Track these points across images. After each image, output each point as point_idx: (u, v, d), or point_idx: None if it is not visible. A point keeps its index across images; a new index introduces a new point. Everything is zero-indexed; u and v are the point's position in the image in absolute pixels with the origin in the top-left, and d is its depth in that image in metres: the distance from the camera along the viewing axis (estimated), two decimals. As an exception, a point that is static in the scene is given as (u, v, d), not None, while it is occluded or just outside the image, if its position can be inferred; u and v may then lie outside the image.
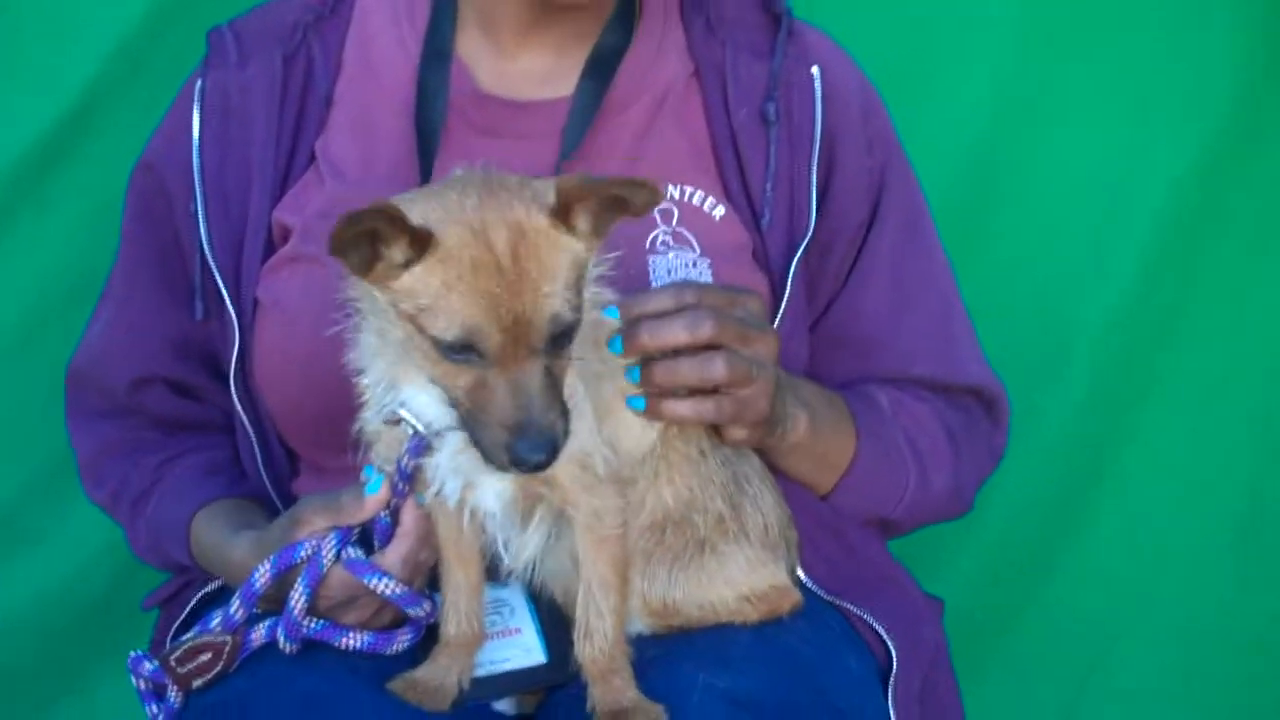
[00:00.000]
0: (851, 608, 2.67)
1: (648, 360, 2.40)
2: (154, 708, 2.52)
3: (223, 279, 2.72)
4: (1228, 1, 3.63)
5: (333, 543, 2.40)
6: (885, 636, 2.66)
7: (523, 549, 2.41)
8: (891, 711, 2.62)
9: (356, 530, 2.43)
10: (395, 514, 2.42)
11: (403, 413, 2.30)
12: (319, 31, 2.82)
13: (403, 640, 2.49)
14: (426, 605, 2.45)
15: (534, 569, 2.45)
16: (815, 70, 2.79)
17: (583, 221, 2.22)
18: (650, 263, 2.68)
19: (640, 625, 2.49)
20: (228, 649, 2.44)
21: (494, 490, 2.34)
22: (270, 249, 2.74)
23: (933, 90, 3.60)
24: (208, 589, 2.81)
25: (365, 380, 2.33)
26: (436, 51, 2.76)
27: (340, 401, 2.41)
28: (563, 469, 2.29)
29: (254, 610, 2.46)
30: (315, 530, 2.42)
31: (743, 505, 2.53)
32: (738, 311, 2.46)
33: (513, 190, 2.20)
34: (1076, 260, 3.72)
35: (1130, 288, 3.74)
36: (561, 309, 2.16)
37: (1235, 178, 3.70)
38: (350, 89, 2.80)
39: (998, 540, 3.75)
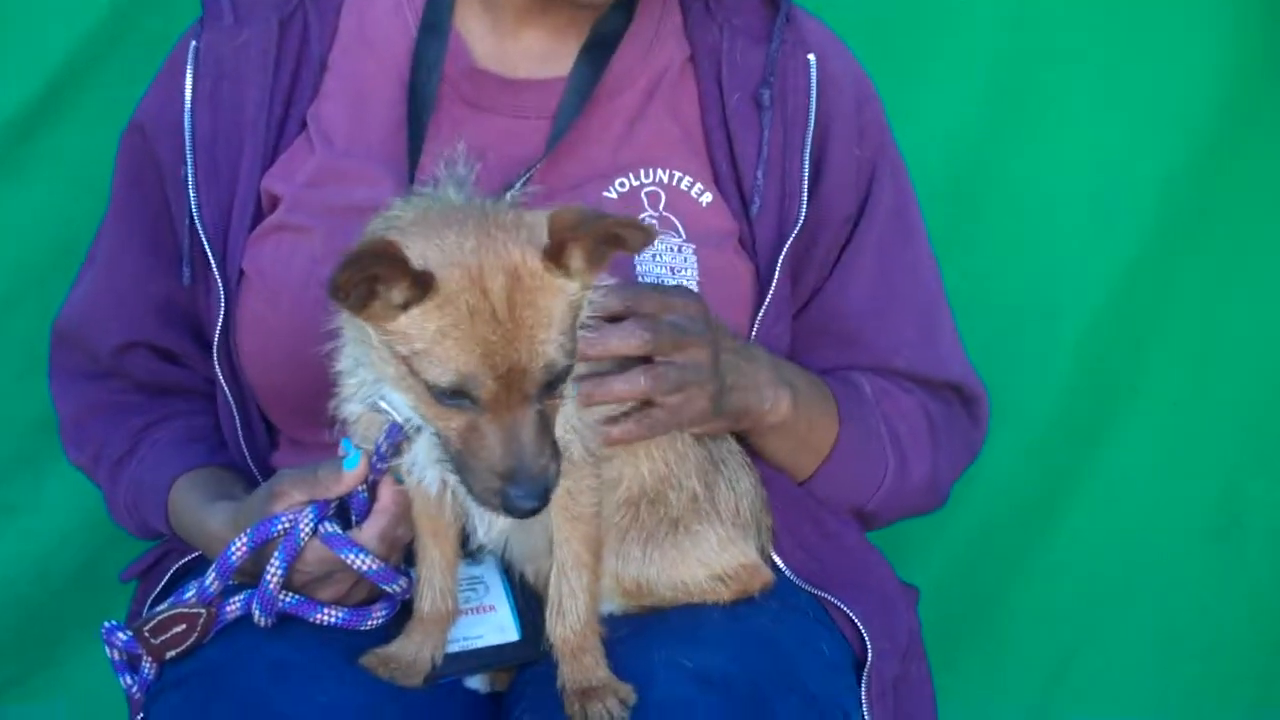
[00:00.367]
0: (828, 596, 2.67)
1: (580, 376, 2.39)
2: (128, 678, 2.53)
3: (210, 246, 2.71)
4: (1219, 7, 3.63)
5: (310, 517, 2.40)
6: (860, 625, 2.66)
7: (495, 521, 2.41)
8: (864, 699, 2.64)
9: (333, 505, 2.43)
10: (373, 489, 2.43)
11: (383, 404, 2.30)
12: None
13: (377, 616, 2.50)
14: (403, 581, 2.45)
15: (506, 545, 2.47)
16: (811, 57, 2.79)
17: (576, 260, 2.20)
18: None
19: (613, 605, 2.51)
20: (202, 620, 2.45)
21: None
22: (259, 216, 2.73)
23: (923, 86, 3.60)
24: (184, 560, 2.81)
25: (350, 380, 2.33)
26: (434, 24, 2.75)
27: (320, 377, 2.41)
28: None
29: (229, 583, 2.47)
30: (292, 503, 2.42)
31: (717, 484, 2.55)
32: (672, 316, 2.45)
33: (508, 230, 2.18)
34: (1062, 257, 3.72)
35: (1114, 285, 3.74)
36: (556, 355, 2.16)
37: (1220, 178, 3.70)
38: (344, 56, 2.79)
39: (974, 531, 3.75)
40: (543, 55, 2.77)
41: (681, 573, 2.51)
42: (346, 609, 2.48)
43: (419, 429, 2.30)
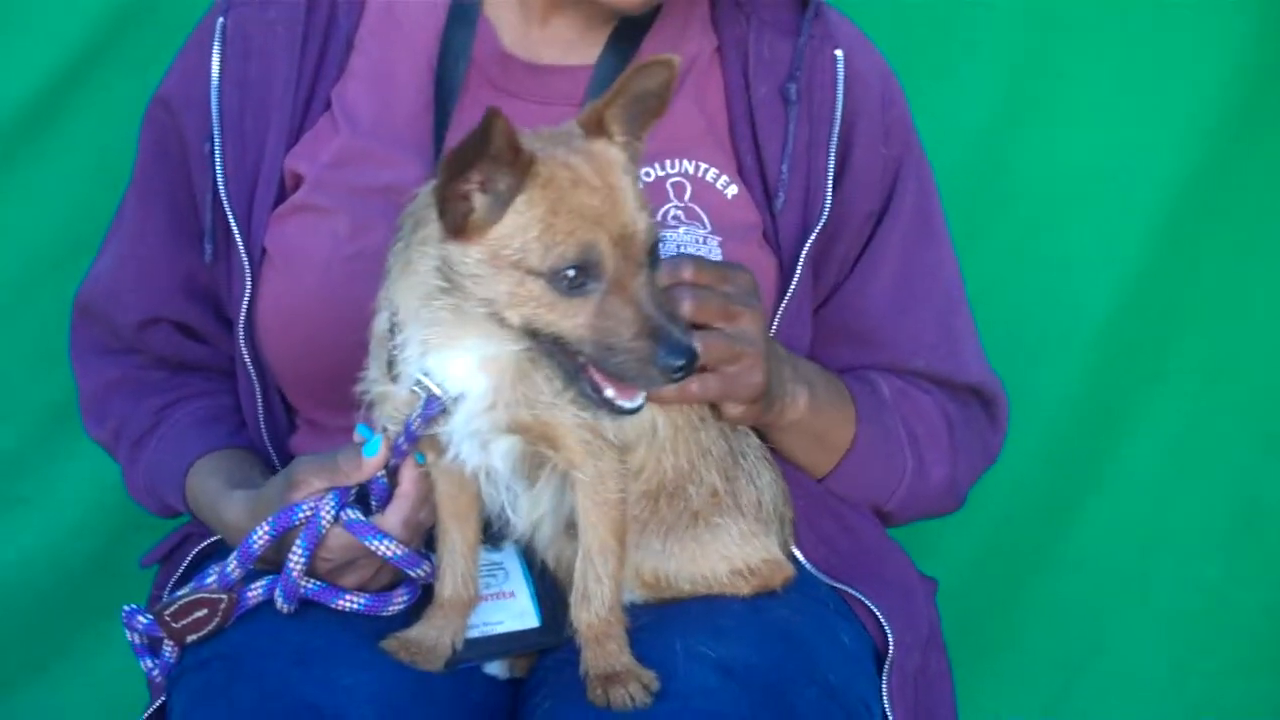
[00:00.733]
0: (849, 589, 2.67)
1: None
2: (148, 661, 2.54)
3: (236, 225, 2.71)
4: (1233, 4, 3.63)
5: (331, 504, 2.40)
6: (881, 618, 2.66)
7: (532, 508, 2.41)
8: (885, 691, 2.63)
9: (354, 491, 2.43)
10: (393, 474, 2.43)
11: (423, 378, 2.30)
12: None
13: (399, 601, 2.50)
14: (426, 566, 2.45)
15: (542, 529, 2.46)
16: (839, 53, 2.78)
17: (616, 126, 2.25)
18: (661, 237, 2.68)
19: (633, 595, 2.50)
20: (223, 606, 2.46)
21: (501, 450, 2.35)
22: (281, 196, 2.72)
23: (942, 82, 3.60)
24: (205, 545, 2.81)
25: (394, 342, 2.31)
26: (464, 8, 2.75)
27: (340, 359, 2.42)
28: (573, 433, 2.30)
29: (250, 569, 2.47)
30: (312, 491, 2.42)
31: (737, 478, 2.54)
32: (726, 287, 2.45)
33: (554, 132, 2.24)
34: (1079, 254, 3.73)
35: (1131, 283, 3.75)
36: (651, 219, 2.21)
37: (1237, 174, 3.71)
38: (371, 36, 2.79)
39: (993, 524, 3.75)
40: (570, 43, 2.77)
41: (701, 566, 2.51)
42: (368, 595, 2.49)
43: (456, 399, 2.29)
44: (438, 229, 2.21)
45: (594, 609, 2.35)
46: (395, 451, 2.38)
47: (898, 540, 2.87)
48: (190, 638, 2.46)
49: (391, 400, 2.36)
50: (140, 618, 2.48)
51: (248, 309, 2.71)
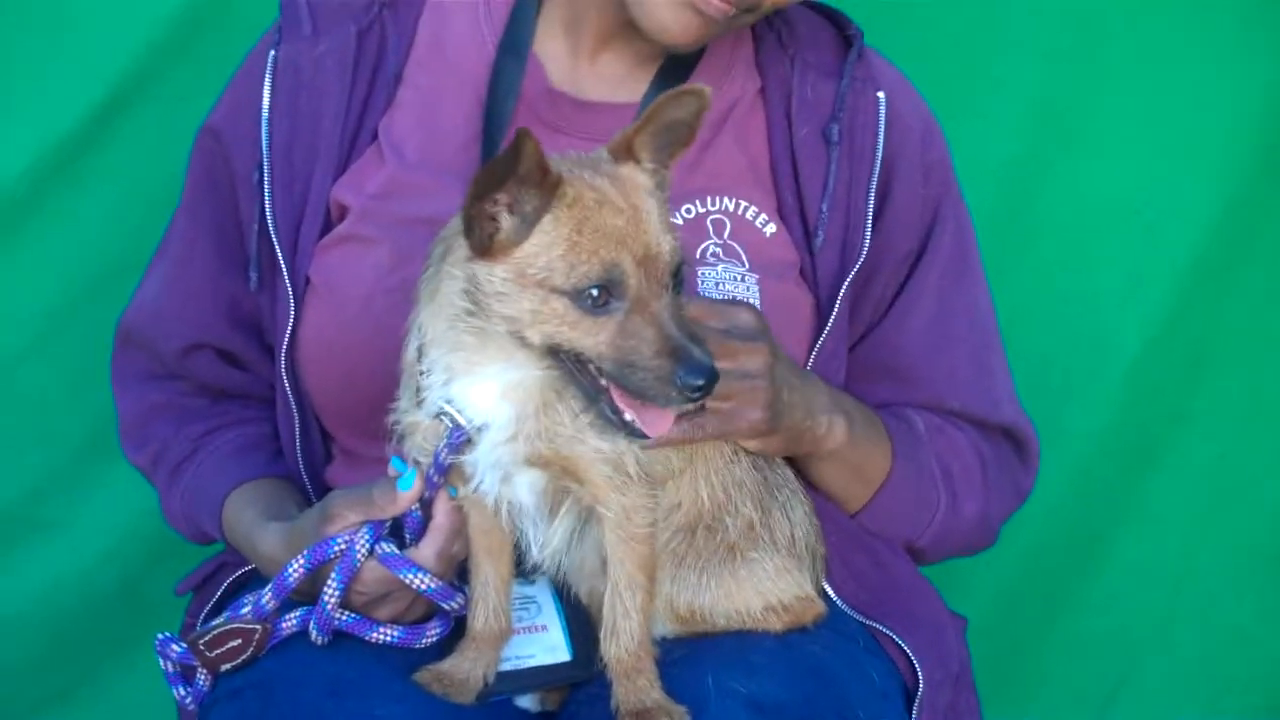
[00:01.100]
0: (880, 626, 2.67)
1: None
2: (181, 689, 2.54)
3: (282, 254, 2.72)
4: (1265, 32, 3.64)
5: (365, 537, 2.41)
6: (913, 656, 2.65)
7: (549, 541, 2.42)
8: (916, 729, 2.63)
9: (388, 524, 2.44)
10: (426, 507, 2.44)
11: (447, 407, 2.31)
12: (393, 6, 2.81)
13: (432, 634, 2.51)
14: (459, 599, 2.46)
15: (559, 564, 2.47)
16: (881, 95, 2.79)
17: (644, 152, 2.27)
18: (699, 274, 2.68)
19: (665, 630, 2.50)
20: (258, 636, 2.47)
21: (527, 483, 2.36)
22: (327, 226, 2.74)
23: (970, 118, 3.59)
24: (239, 574, 2.82)
25: (420, 368, 2.33)
26: (515, 44, 2.77)
27: (380, 390, 2.43)
28: (595, 467, 2.31)
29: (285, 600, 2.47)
30: (347, 524, 2.43)
31: (772, 511, 2.54)
32: (721, 324, 2.46)
33: (583, 156, 2.26)
34: (1110, 286, 3.73)
35: (1160, 318, 3.75)
36: (675, 241, 2.22)
37: (1266, 210, 3.71)
38: (420, 69, 2.80)
39: (1023, 561, 3.75)
40: (617, 79, 2.79)
41: (736, 602, 2.50)
42: (402, 627, 2.49)
43: (480, 429, 2.30)
44: (464, 250, 2.23)
45: (622, 643, 2.36)
46: (428, 484, 2.39)
47: (927, 575, 2.86)
48: (224, 666, 2.47)
49: (421, 430, 2.37)
50: (174, 646, 2.49)
51: (290, 338, 2.72)
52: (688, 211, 2.71)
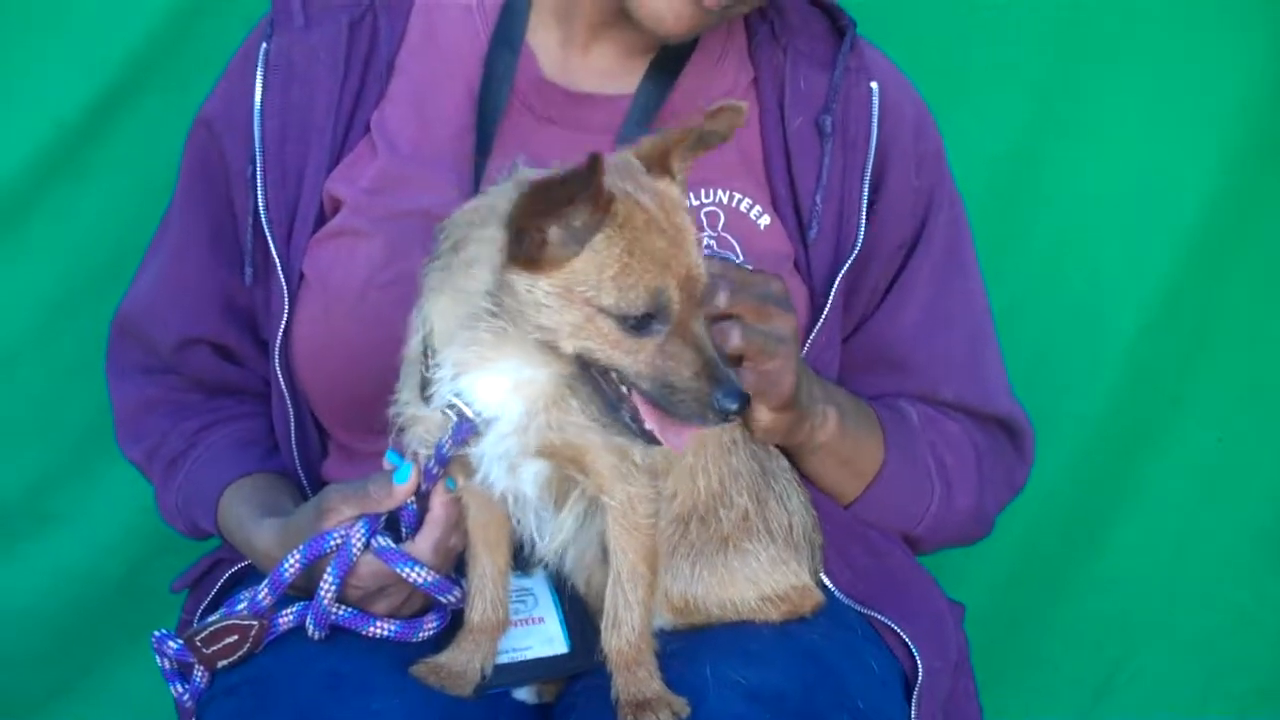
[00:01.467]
0: (878, 615, 2.67)
1: None
2: (178, 686, 2.54)
3: (276, 248, 2.71)
4: (1260, 17, 3.63)
5: (361, 532, 2.41)
6: (911, 644, 2.66)
7: (556, 533, 2.41)
8: (914, 716, 2.63)
9: (384, 518, 2.43)
10: (423, 500, 2.43)
11: (455, 400, 2.30)
12: None
13: (429, 627, 2.51)
14: (457, 592, 2.46)
15: (565, 555, 2.46)
16: (874, 85, 2.79)
17: (678, 165, 2.27)
18: None
19: (662, 621, 2.50)
20: (254, 632, 2.46)
21: (531, 474, 2.35)
22: (321, 219, 2.73)
23: (969, 101, 3.60)
24: (235, 570, 2.82)
25: (428, 361, 2.31)
26: (508, 36, 2.76)
27: (374, 384, 2.42)
28: (602, 457, 2.31)
29: (281, 595, 2.47)
30: (343, 519, 2.43)
31: (768, 501, 2.54)
32: (757, 289, 2.46)
33: (618, 163, 2.23)
34: (1106, 270, 3.73)
35: (1159, 299, 3.75)
36: (704, 258, 2.23)
37: (1266, 188, 3.70)
38: (412, 60, 2.80)
39: (1020, 545, 3.75)
40: (610, 71, 2.78)
41: (730, 592, 2.51)
42: (399, 621, 2.49)
43: (489, 421, 2.30)
44: (492, 252, 2.21)
45: (624, 635, 2.35)
46: (426, 476, 2.39)
47: (924, 561, 2.87)
48: (221, 663, 2.47)
49: (423, 422, 2.36)
50: (171, 643, 2.49)
51: (284, 332, 2.71)
52: None
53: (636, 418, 2.23)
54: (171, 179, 2.93)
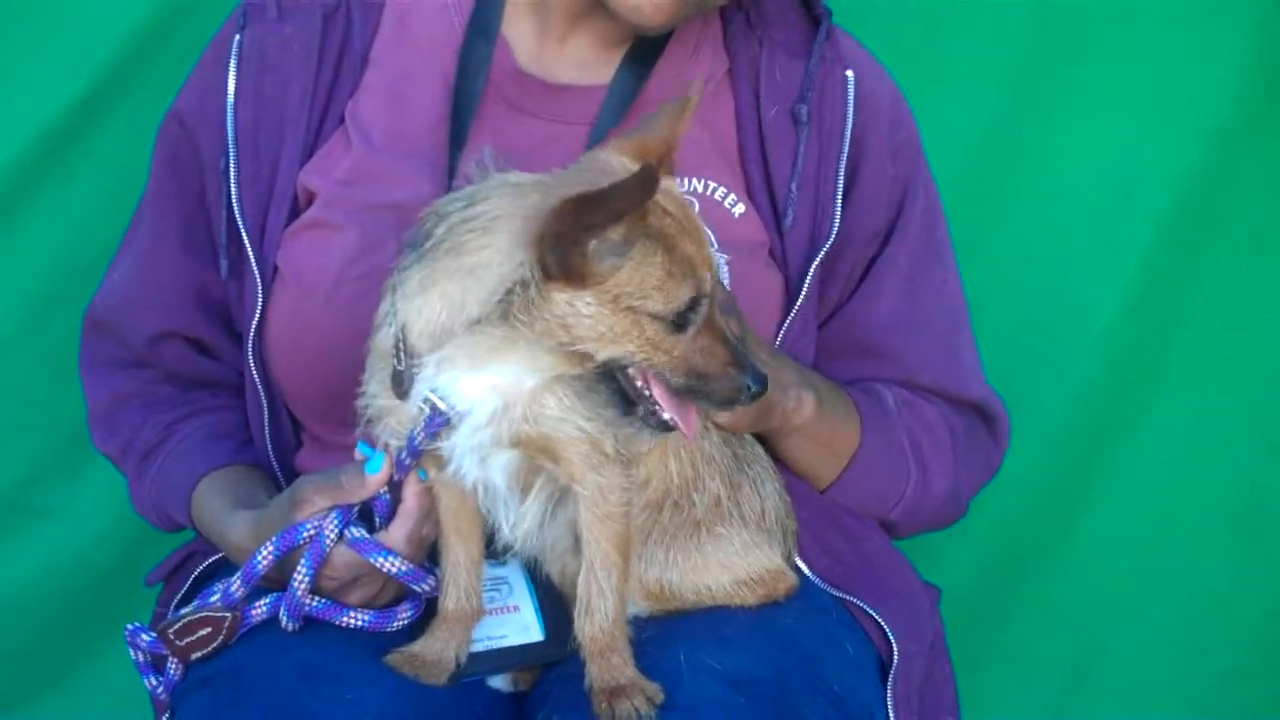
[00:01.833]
0: (853, 599, 2.68)
1: None
2: (152, 679, 2.54)
3: (249, 241, 2.71)
4: (1235, 7, 3.63)
5: (334, 522, 2.41)
6: (886, 627, 2.67)
7: (521, 521, 2.42)
8: (890, 701, 2.64)
9: (356, 508, 2.44)
10: (396, 490, 2.43)
11: (430, 394, 2.30)
12: None
13: (403, 617, 2.51)
14: (431, 581, 2.46)
15: (531, 543, 2.47)
16: (850, 74, 2.79)
17: (668, 166, 2.32)
18: None
19: (637, 608, 2.50)
20: (228, 624, 2.46)
21: (500, 464, 2.36)
22: (294, 212, 2.73)
23: (941, 87, 3.59)
24: (209, 563, 2.82)
25: (403, 358, 2.30)
26: (484, 26, 2.76)
27: (348, 376, 2.41)
28: (574, 447, 2.31)
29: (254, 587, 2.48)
30: (316, 510, 2.43)
31: (741, 486, 2.55)
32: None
33: (601, 161, 2.29)
34: (1082, 254, 3.72)
35: (1135, 284, 3.74)
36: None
37: (1241, 173, 3.69)
38: (387, 52, 2.79)
39: (995, 529, 3.74)
40: (586, 62, 2.78)
41: (704, 576, 2.52)
42: (373, 611, 2.49)
43: (462, 415, 2.30)
44: (504, 263, 2.19)
45: (597, 622, 2.36)
46: (398, 467, 2.39)
47: (900, 544, 2.88)
48: (194, 655, 2.46)
49: (394, 414, 2.36)
50: (144, 635, 2.49)
51: (257, 325, 2.72)
52: None
53: (652, 410, 2.27)
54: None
